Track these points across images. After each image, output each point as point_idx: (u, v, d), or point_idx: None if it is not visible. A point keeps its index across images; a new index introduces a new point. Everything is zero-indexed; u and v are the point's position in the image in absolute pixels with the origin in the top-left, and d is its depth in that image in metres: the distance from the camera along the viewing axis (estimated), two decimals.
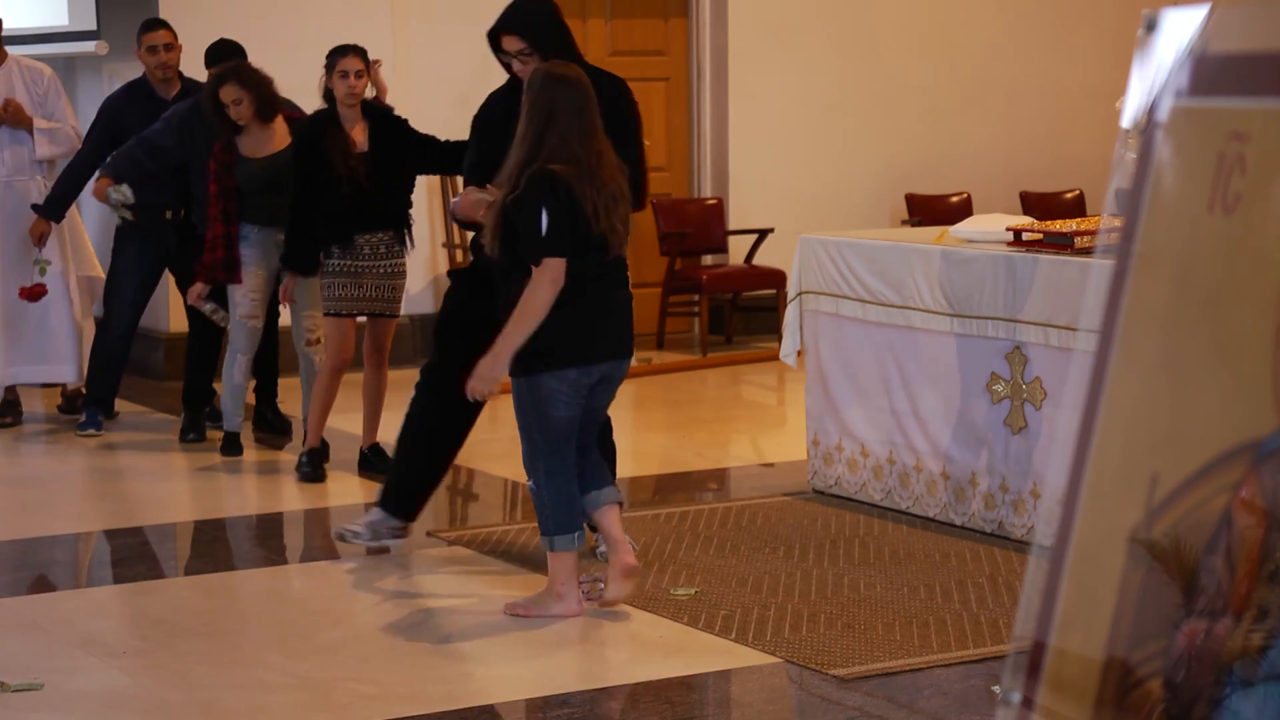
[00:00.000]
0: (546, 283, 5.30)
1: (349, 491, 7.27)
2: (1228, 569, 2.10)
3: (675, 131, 11.50)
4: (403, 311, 10.41)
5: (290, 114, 7.86)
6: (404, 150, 7.27)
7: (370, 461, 7.49)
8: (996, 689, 4.16)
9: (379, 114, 7.37)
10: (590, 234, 5.33)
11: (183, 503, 7.29)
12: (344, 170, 7.12)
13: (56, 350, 8.73)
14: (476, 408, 6.01)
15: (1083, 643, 2.28)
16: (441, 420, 6.12)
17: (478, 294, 5.88)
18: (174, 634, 5.46)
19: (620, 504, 5.68)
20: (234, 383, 7.86)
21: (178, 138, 8.05)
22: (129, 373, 8.88)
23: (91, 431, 8.47)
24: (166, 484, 7.58)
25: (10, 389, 8.81)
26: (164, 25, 8.54)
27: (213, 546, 6.75)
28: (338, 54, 7.27)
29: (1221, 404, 2.14)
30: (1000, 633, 5.30)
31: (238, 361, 7.84)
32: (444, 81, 10.26)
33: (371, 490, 6.95)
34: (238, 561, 6.49)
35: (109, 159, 8.20)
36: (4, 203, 8.62)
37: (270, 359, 8.34)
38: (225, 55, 8.10)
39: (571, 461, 5.49)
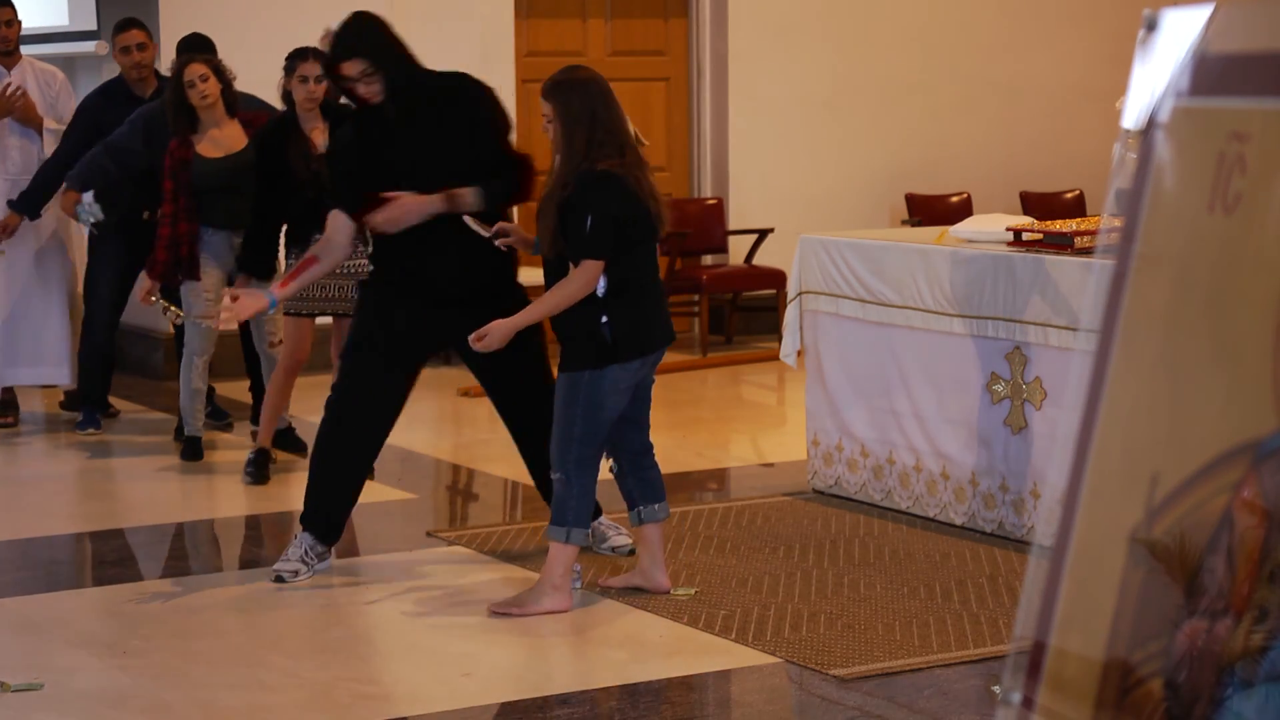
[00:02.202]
0: (582, 282, 5.40)
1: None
2: (1228, 569, 2.10)
3: (675, 131, 11.50)
4: None
5: (252, 115, 7.79)
6: None
7: (281, 440, 7.66)
8: (996, 689, 4.16)
9: (339, 115, 7.35)
10: (651, 219, 5.48)
11: (183, 502, 7.28)
12: (306, 174, 7.12)
13: (52, 353, 8.74)
14: (387, 426, 6.03)
15: (1083, 643, 2.28)
16: (354, 439, 6.03)
17: (382, 309, 5.92)
18: (174, 634, 5.45)
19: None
20: (192, 386, 7.80)
21: (144, 138, 7.95)
22: (129, 373, 8.89)
23: (91, 430, 8.49)
24: (166, 483, 7.57)
25: (8, 389, 8.82)
26: (137, 25, 8.54)
27: (213, 546, 6.76)
28: (297, 57, 7.26)
29: (1221, 404, 2.14)
30: (1000, 633, 5.30)
31: (194, 365, 7.78)
32: None
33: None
34: (238, 561, 6.48)
35: (75, 168, 8.13)
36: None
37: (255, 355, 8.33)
38: (196, 48, 8.10)
39: (600, 456, 5.57)
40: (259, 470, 7.42)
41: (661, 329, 5.63)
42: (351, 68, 5.82)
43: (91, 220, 8.06)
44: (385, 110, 5.84)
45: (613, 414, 5.54)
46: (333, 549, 6.09)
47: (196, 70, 7.55)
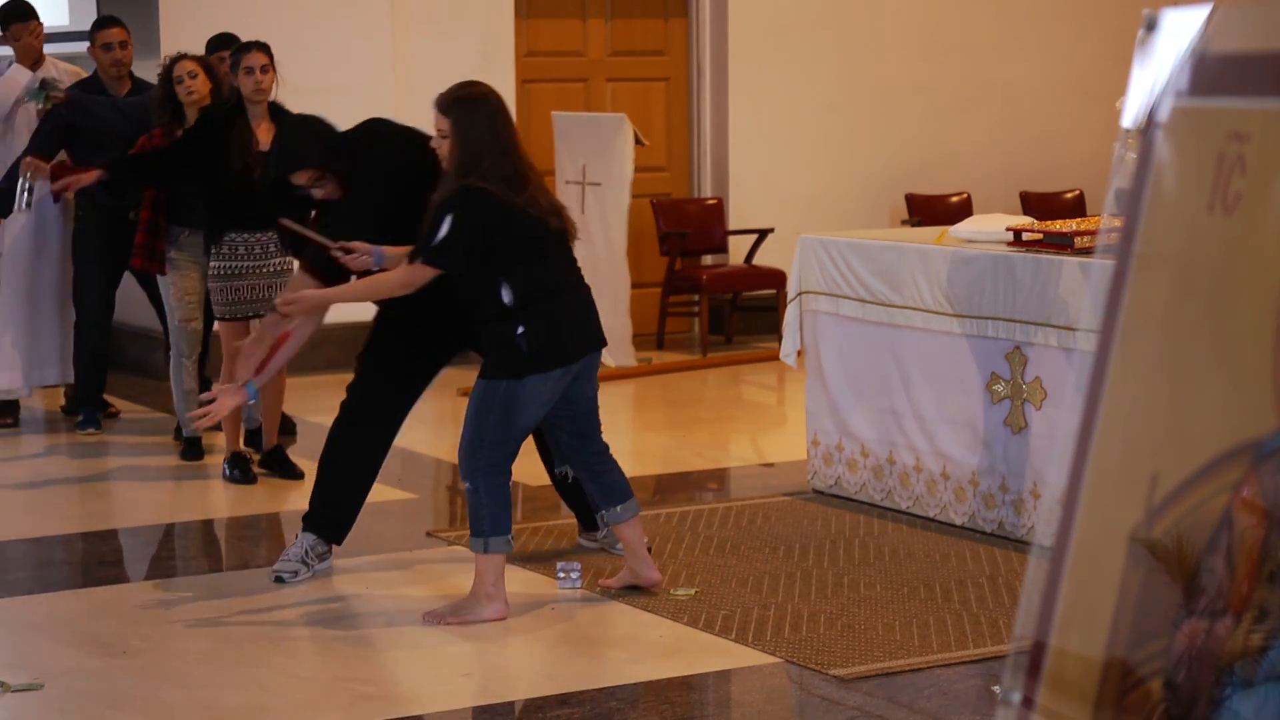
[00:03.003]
0: (403, 279, 5.45)
1: None
2: (1228, 569, 2.10)
3: (675, 131, 11.50)
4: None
5: None
6: None
7: (270, 462, 7.56)
8: (996, 689, 4.16)
9: (284, 116, 7.29)
10: (549, 231, 5.42)
11: (182, 502, 7.28)
12: (239, 165, 7.10)
13: (61, 350, 8.75)
14: (396, 426, 6.04)
15: (1083, 643, 2.28)
16: (364, 442, 6.03)
17: (397, 322, 5.93)
18: (174, 634, 5.45)
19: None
20: (184, 388, 7.80)
21: (137, 114, 7.98)
22: (129, 373, 8.90)
23: (91, 430, 8.50)
24: (166, 484, 7.57)
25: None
26: (118, 23, 8.57)
27: (213, 546, 6.76)
28: (242, 50, 7.26)
29: (1221, 404, 2.14)
30: (1000, 633, 5.30)
31: (183, 366, 7.79)
32: (444, 82, 10.22)
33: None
34: (237, 561, 6.48)
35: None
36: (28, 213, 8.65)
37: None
38: (225, 46, 8.11)
39: (510, 464, 5.50)
40: (244, 472, 7.45)
41: (586, 337, 5.55)
42: (302, 177, 5.94)
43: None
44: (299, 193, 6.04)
45: (528, 424, 5.48)
46: (333, 550, 6.09)
47: (186, 66, 7.55)
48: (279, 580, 5.94)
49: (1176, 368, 2.22)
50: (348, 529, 6.07)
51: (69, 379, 8.82)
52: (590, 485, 5.75)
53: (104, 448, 8.30)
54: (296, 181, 5.95)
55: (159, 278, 7.89)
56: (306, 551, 5.99)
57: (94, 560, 6.45)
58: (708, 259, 11.36)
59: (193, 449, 7.89)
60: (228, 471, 7.46)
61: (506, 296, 5.37)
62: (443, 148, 5.40)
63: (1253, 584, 2.06)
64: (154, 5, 9.82)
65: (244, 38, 8.45)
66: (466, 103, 5.39)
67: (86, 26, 10.14)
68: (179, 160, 7.25)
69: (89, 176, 7.52)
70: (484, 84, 5.56)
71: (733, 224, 11.38)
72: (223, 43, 8.23)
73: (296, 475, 7.44)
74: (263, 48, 7.25)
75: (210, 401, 5.89)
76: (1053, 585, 2.33)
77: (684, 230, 10.95)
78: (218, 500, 7.33)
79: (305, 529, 6.03)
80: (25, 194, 8.12)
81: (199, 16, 9.39)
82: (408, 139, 6.05)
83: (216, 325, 7.53)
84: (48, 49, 9.79)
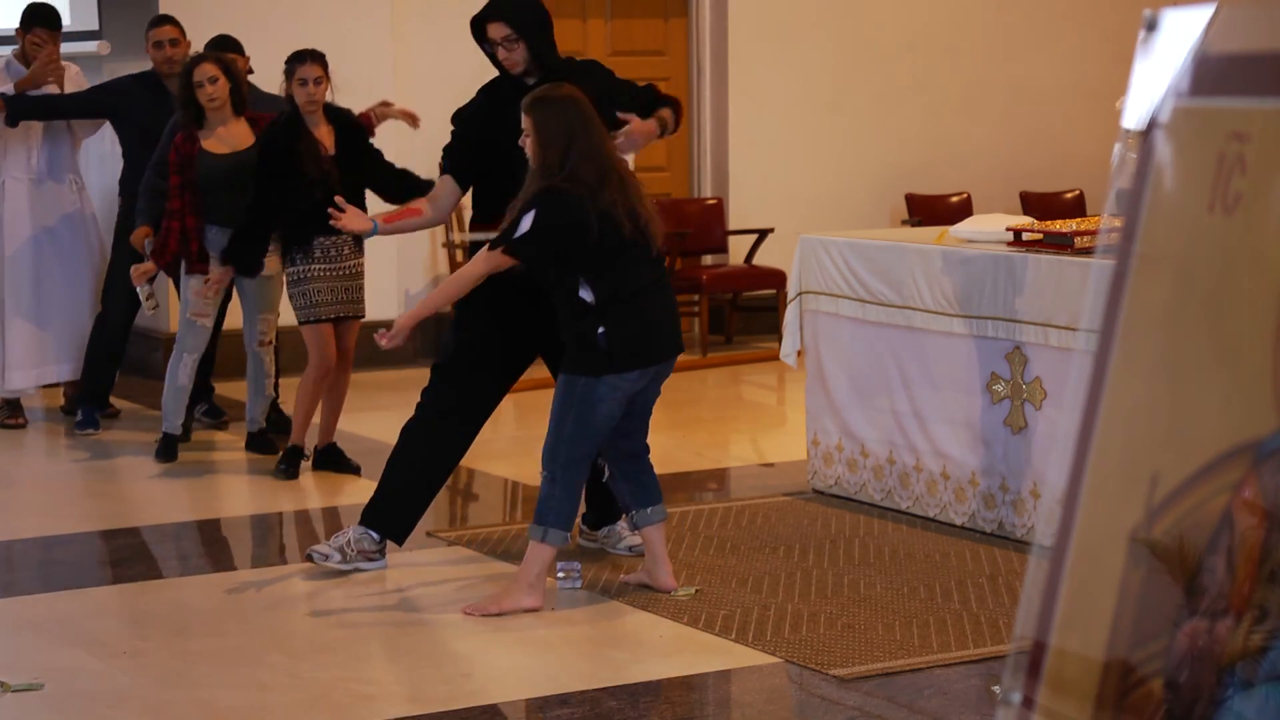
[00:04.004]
0: (485, 268, 5.49)
1: (350, 492, 7.27)
2: (1228, 569, 2.10)
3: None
4: (404, 310, 10.45)
5: (259, 114, 7.80)
6: (366, 154, 7.39)
7: (325, 460, 7.57)
8: (996, 689, 4.16)
9: (342, 118, 7.38)
10: (622, 237, 5.44)
11: (182, 502, 7.28)
12: (317, 173, 7.13)
13: (71, 347, 8.75)
14: (476, 428, 6.05)
15: (1083, 643, 2.28)
16: (442, 439, 6.04)
17: (482, 313, 5.92)
18: (174, 634, 5.46)
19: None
20: (178, 384, 7.80)
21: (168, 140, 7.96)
22: (129, 373, 8.89)
23: (90, 430, 8.49)
24: (166, 483, 7.57)
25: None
26: (170, 21, 8.59)
27: (212, 546, 6.75)
28: (295, 60, 7.27)
29: (1221, 404, 2.14)
30: (1000, 633, 5.30)
31: (184, 361, 7.79)
32: (444, 81, 10.25)
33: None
34: (237, 561, 6.49)
35: (141, 200, 8.09)
36: (34, 203, 8.65)
37: (210, 355, 8.32)
38: (222, 49, 8.12)
39: (590, 462, 5.58)
40: (291, 466, 7.48)
41: (665, 341, 5.63)
42: (497, 29, 5.94)
43: (151, 301, 7.99)
44: (521, 82, 5.92)
45: (606, 422, 5.55)
46: (384, 548, 6.07)
47: (207, 71, 7.57)
48: (308, 558, 5.99)
49: (1176, 368, 2.22)
50: (408, 528, 6.06)
51: (77, 375, 8.81)
52: (625, 484, 5.78)
53: (104, 447, 8.30)
54: (492, 34, 5.95)
55: (180, 272, 7.87)
56: (349, 542, 6.01)
57: (94, 560, 6.45)
58: (708, 259, 11.36)
59: (168, 448, 7.87)
60: (281, 466, 7.50)
61: (588, 295, 5.45)
62: (527, 145, 5.46)
63: (1253, 584, 2.06)
64: (154, 5, 9.82)
65: (243, 38, 8.47)
66: (546, 103, 5.45)
67: (87, 26, 10.17)
68: (269, 198, 7.24)
69: (223, 276, 7.49)
70: (569, 85, 5.60)
71: (733, 224, 11.38)
72: (220, 45, 8.23)
73: (354, 469, 7.51)
74: (318, 59, 7.27)
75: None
76: (1053, 585, 2.33)
77: (684, 230, 10.95)
78: (218, 500, 7.33)
79: (360, 521, 6.06)
80: (153, 297, 7.97)
81: (199, 16, 9.39)
82: (597, 90, 5.92)
83: (302, 330, 7.45)
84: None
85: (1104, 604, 2.26)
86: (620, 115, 5.92)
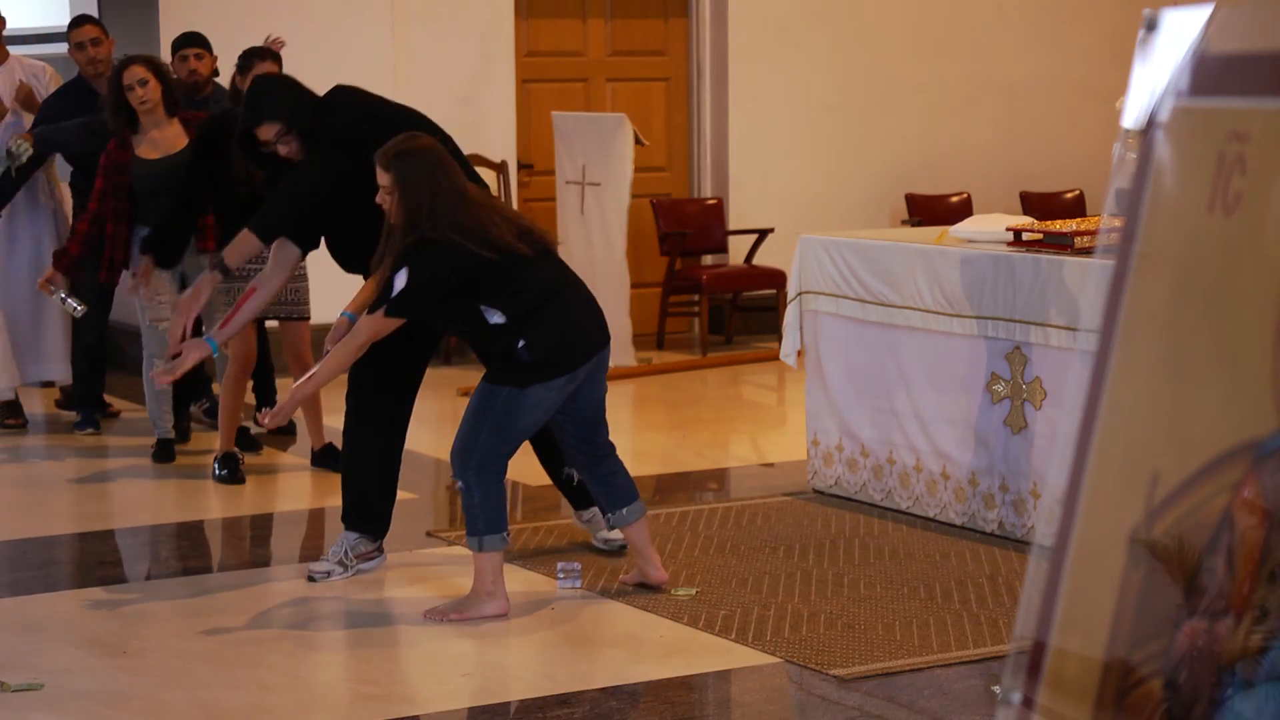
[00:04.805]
0: (371, 333, 5.45)
1: None
2: (1228, 569, 2.10)
3: (675, 131, 11.50)
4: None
5: (192, 114, 7.74)
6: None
7: (323, 460, 7.61)
8: (996, 689, 4.15)
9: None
10: (516, 254, 5.38)
11: (182, 502, 7.28)
12: (243, 172, 7.11)
13: (52, 347, 8.74)
14: (407, 411, 6.07)
15: (1083, 643, 2.28)
16: (376, 432, 6.06)
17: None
18: (174, 634, 5.45)
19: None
20: (155, 389, 7.76)
21: (107, 132, 7.82)
22: (128, 373, 8.88)
23: (89, 431, 8.49)
24: (166, 483, 7.57)
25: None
26: (90, 20, 8.50)
27: (213, 546, 6.75)
28: (253, 56, 7.24)
29: (1221, 404, 2.14)
30: (1000, 633, 5.30)
31: (154, 367, 7.77)
32: (444, 81, 10.27)
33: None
34: (237, 561, 6.48)
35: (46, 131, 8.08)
36: (14, 204, 8.63)
37: (263, 362, 8.33)
38: (188, 45, 8.13)
39: (504, 465, 5.52)
40: (233, 472, 7.43)
41: (588, 339, 5.55)
42: (267, 131, 5.99)
43: (71, 306, 7.91)
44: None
45: (528, 430, 5.52)
46: (381, 546, 6.09)
47: (136, 74, 7.46)
48: (310, 579, 5.96)
49: (1176, 368, 2.22)
50: (384, 521, 6.08)
51: (59, 376, 8.80)
52: (595, 488, 5.76)
53: (102, 447, 8.30)
54: (262, 136, 6.00)
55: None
56: (346, 553, 6.02)
57: (94, 560, 6.45)
58: (708, 259, 11.36)
59: (164, 450, 7.86)
60: (217, 470, 7.45)
61: (498, 318, 5.41)
62: (387, 203, 5.40)
63: (1253, 584, 2.06)
64: (154, 5, 9.82)
65: (244, 39, 8.46)
66: (405, 156, 5.38)
67: None
68: (197, 195, 7.23)
69: (146, 269, 7.35)
70: (423, 136, 5.55)
71: (733, 224, 11.38)
72: (186, 42, 8.20)
73: None
74: (266, 57, 7.23)
75: (175, 357, 6.02)
76: (1053, 585, 2.33)
77: (684, 230, 10.95)
78: (218, 500, 7.32)
79: (346, 527, 6.07)
80: (67, 302, 7.91)
81: (199, 16, 9.39)
82: (369, 113, 6.04)
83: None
84: (49, 49, 9.80)
85: (1104, 604, 2.26)
86: None
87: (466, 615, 5.49)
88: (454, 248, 5.31)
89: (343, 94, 6.17)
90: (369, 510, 6.06)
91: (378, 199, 5.44)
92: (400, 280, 5.33)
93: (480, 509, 5.46)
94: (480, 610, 5.49)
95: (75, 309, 7.65)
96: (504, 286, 5.39)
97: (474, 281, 5.36)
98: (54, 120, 8.29)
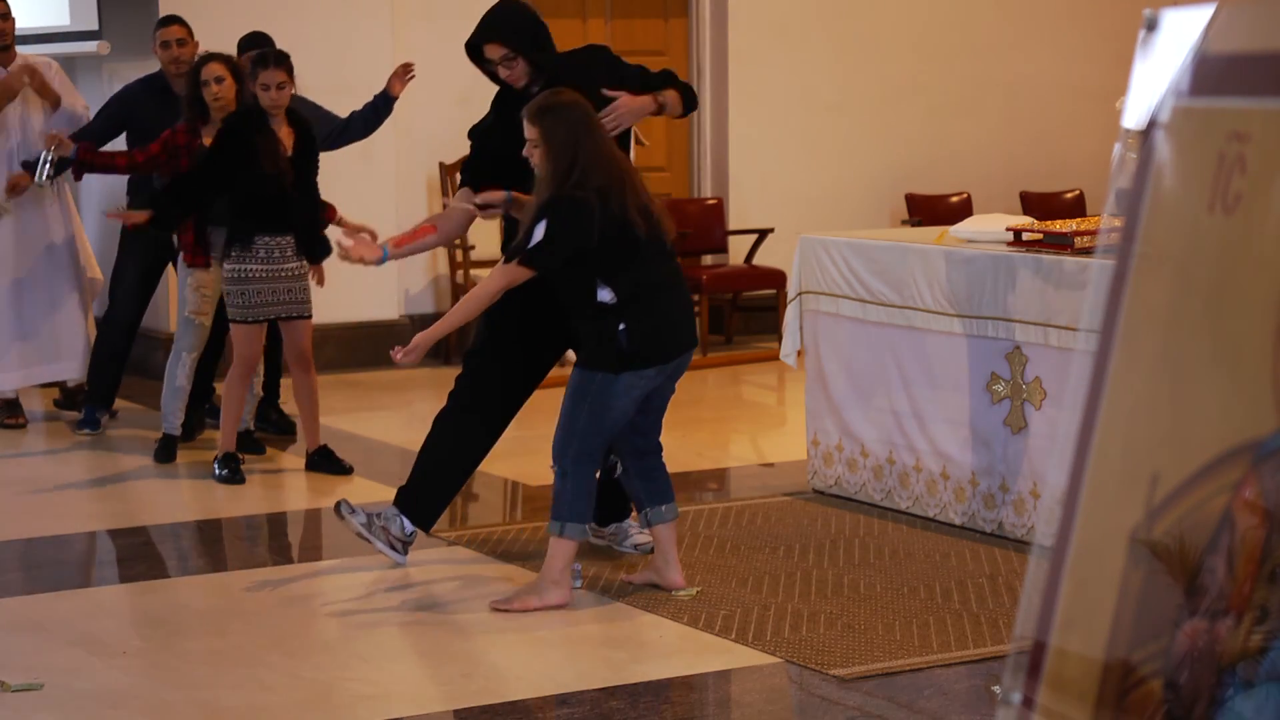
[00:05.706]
0: (502, 282, 5.49)
1: (344, 492, 7.27)
2: (1228, 569, 2.10)
3: (675, 131, 11.50)
4: (404, 311, 10.46)
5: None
6: (315, 160, 7.42)
7: (317, 462, 7.59)
8: (996, 689, 4.16)
9: (302, 123, 7.37)
10: (638, 236, 5.46)
11: (183, 502, 7.28)
12: (272, 169, 7.14)
13: (67, 347, 8.74)
14: (498, 425, 6.11)
15: (1083, 643, 2.28)
16: (465, 434, 6.10)
17: (511, 309, 5.92)
18: (174, 634, 5.46)
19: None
20: (176, 384, 7.79)
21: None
22: (129, 372, 8.87)
23: (89, 430, 8.49)
24: (166, 483, 7.57)
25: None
26: (177, 21, 8.56)
27: (213, 546, 6.75)
28: (259, 64, 7.27)
29: (1221, 404, 2.14)
30: (1000, 633, 5.30)
31: (183, 361, 7.79)
32: (444, 81, 10.26)
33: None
34: (238, 561, 6.48)
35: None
36: (20, 199, 8.63)
37: (273, 359, 8.34)
38: (257, 45, 8.14)
39: (600, 454, 5.60)
40: (233, 472, 7.44)
41: (682, 337, 5.65)
42: (494, 50, 5.98)
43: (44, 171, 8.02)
44: (526, 94, 5.91)
45: (620, 418, 5.58)
46: (413, 540, 6.12)
47: (214, 70, 7.60)
48: (336, 508, 6.07)
49: (1176, 368, 2.22)
50: (435, 514, 6.13)
51: (82, 376, 8.79)
52: (638, 481, 5.79)
53: (104, 447, 8.30)
54: (489, 55, 5.99)
55: (179, 270, 7.87)
56: (378, 515, 6.08)
57: (94, 560, 6.45)
58: (708, 259, 11.36)
59: (166, 448, 7.87)
60: (218, 470, 7.46)
61: (606, 295, 5.47)
62: (534, 156, 5.46)
63: (1253, 584, 2.06)
64: (154, 5, 9.82)
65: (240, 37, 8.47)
66: (551, 111, 5.45)
67: (87, 26, 10.16)
68: (214, 176, 7.26)
69: (139, 217, 7.48)
70: (570, 91, 5.60)
71: (733, 224, 11.38)
72: (254, 43, 8.25)
73: (345, 470, 7.54)
74: (281, 63, 7.26)
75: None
76: (1053, 585, 2.33)
77: (684, 230, 10.93)
78: (218, 500, 7.32)
79: (394, 502, 6.12)
80: (46, 165, 8.04)
81: (201, 16, 9.39)
82: (605, 73, 6.03)
83: (232, 328, 7.47)
84: (49, 49, 9.80)
85: (1104, 604, 2.26)
86: (606, 93, 5.93)
87: (529, 605, 5.55)
88: (593, 210, 5.38)
89: (596, 54, 6.26)
90: (426, 499, 6.10)
91: (524, 152, 5.51)
92: (539, 232, 5.39)
93: (570, 496, 5.55)
94: (544, 598, 5.56)
95: (43, 172, 7.82)
96: (625, 264, 5.46)
97: (601, 247, 5.41)
98: (127, 112, 8.41)
